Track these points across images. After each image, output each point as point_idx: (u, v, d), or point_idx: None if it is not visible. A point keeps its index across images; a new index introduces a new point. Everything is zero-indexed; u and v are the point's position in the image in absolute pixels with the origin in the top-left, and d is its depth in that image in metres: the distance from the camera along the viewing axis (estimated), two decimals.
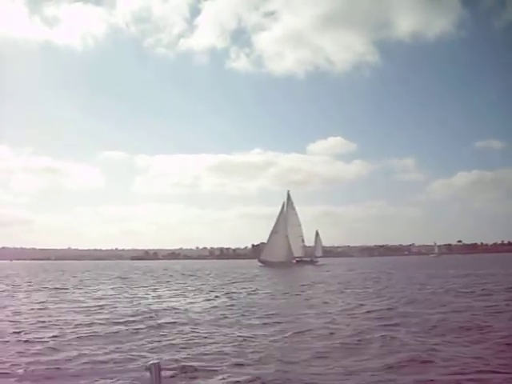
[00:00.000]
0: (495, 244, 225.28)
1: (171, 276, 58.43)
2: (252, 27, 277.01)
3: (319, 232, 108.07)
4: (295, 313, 19.90)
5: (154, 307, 22.58)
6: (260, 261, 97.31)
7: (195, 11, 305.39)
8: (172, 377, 8.51)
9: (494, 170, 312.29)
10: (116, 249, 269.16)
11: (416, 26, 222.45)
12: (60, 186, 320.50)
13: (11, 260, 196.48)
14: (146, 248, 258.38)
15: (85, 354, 12.22)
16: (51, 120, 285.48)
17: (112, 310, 21.79)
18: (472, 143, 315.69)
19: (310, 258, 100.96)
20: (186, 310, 21.73)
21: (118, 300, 26.57)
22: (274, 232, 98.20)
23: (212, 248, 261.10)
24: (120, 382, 9.18)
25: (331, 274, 58.44)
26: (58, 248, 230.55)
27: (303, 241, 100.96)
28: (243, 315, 19.54)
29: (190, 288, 36.39)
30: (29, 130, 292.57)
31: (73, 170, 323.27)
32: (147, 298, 27.70)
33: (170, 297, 28.81)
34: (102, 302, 25.05)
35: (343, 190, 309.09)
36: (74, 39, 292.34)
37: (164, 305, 23.77)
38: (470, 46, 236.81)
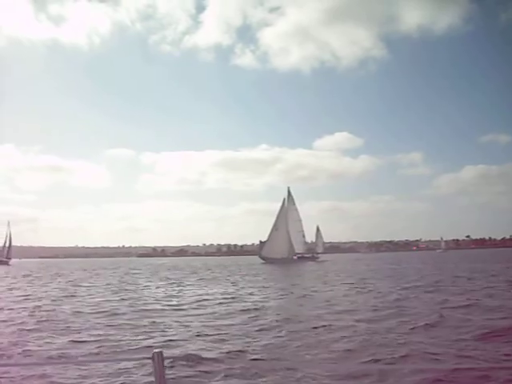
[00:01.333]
0: (504, 239, 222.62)
1: (221, 273, 54.31)
2: (257, 23, 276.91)
3: (320, 228, 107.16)
4: None
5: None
6: (261, 257, 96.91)
7: (200, 8, 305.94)
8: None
9: (501, 164, 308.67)
10: (123, 246, 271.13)
11: (423, 19, 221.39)
12: (66, 184, 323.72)
13: (20, 259, 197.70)
14: (153, 245, 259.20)
15: None
16: (57, 118, 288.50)
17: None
18: (479, 137, 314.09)
19: (311, 254, 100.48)
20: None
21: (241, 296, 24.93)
22: (274, 228, 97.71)
23: (219, 245, 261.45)
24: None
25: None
26: (66, 246, 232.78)
27: (304, 236, 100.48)
28: None
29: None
30: (35, 128, 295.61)
31: (79, 168, 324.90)
32: (256, 295, 26.08)
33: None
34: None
35: (350, 185, 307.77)
36: (79, 37, 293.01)
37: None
38: (476, 40, 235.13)
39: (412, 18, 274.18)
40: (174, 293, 28.10)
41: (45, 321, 16.54)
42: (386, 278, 37.52)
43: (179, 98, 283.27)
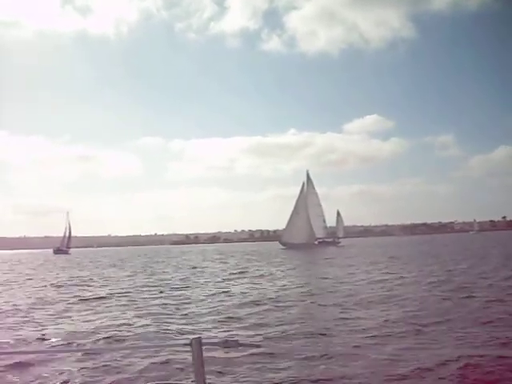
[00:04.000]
0: None
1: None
2: (284, 6, 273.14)
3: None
4: None
5: None
6: (281, 243, 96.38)
7: None
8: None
9: None
10: (155, 234, 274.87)
11: None
12: (97, 174, 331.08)
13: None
14: (185, 232, 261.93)
15: None
16: (86, 108, 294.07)
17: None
18: (510, 117, 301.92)
19: (332, 238, 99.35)
20: None
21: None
22: (294, 213, 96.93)
23: (250, 230, 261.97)
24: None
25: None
26: (98, 235, 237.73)
27: (324, 221, 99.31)
28: None
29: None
30: (64, 118, 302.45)
31: (109, 157, 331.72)
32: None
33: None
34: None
35: (380, 169, 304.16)
36: (106, 27, 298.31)
37: None
38: (510, 17, 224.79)
39: None
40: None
41: None
42: None
43: (206, 85, 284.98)
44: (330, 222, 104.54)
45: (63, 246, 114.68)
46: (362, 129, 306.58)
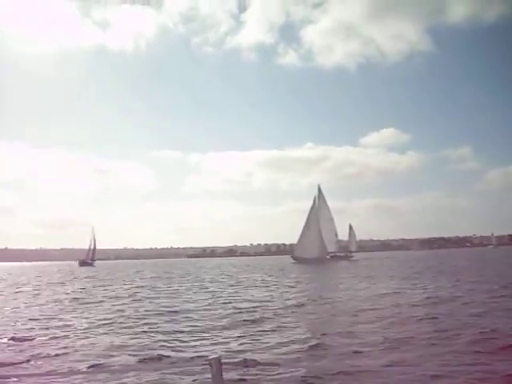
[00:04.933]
0: None
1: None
2: (300, 20, 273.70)
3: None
4: None
5: None
6: (293, 257, 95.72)
7: (242, 7, 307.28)
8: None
9: None
10: (171, 247, 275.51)
11: (471, 10, 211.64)
12: (114, 186, 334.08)
13: (76, 261, 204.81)
14: (201, 246, 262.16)
15: None
16: (104, 121, 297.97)
17: None
18: None
19: (344, 253, 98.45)
20: None
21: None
22: (306, 228, 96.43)
23: (266, 244, 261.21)
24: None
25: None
26: (115, 248, 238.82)
27: (336, 235, 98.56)
28: None
29: None
30: (84, 131, 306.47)
31: (126, 170, 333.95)
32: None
33: None
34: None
35: (397, 182, 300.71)
36: (125, 41, 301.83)
37: None
38: None
39: (460, 9, 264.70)
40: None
41: None
42: None
43: (223, 98, 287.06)
44: (346, 235, 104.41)
45: (88, 259, 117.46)
46: (379, 142, 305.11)
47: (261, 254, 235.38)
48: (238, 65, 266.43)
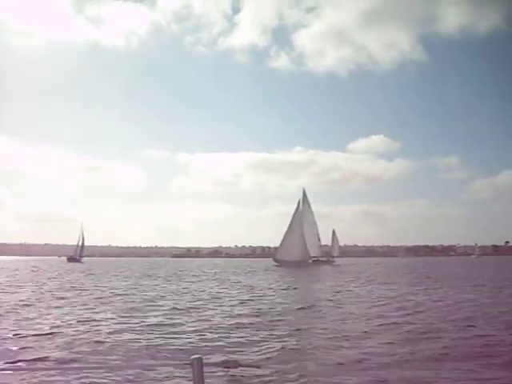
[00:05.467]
0: None
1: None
2: (293, 24, 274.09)
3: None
4: None
5: None
6: (275, 260, 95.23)
7: (236, 9, 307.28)
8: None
9: None
10: (156, 246, 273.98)
11: (464, 21, 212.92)
12: (101, 184, 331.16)
13: (59, 256, 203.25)
14: (186, 246, 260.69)
15: None
16: (94, 119, 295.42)
17: None
18: None
19: (326, 257, 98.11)
20: None
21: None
22: (289, 231, 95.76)
23: (251, 246, 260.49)
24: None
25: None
26: (100, 245, 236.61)
27: (319, 240, 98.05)
28: None
29: None
30: (74, 128, 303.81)
31: (114, 168, 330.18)
32: None
33: None
34: None
35: (385, 189, 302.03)
36: (117, 38, 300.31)
37: None
38: None
39: (452, 19, 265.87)
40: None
41: None
42: None
43: (214, 99, 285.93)
44: (330, 240, 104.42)
45: (76, 255, 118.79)
46: (368, 149, 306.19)
47: (246, 256, 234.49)
48: (230, 66, 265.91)
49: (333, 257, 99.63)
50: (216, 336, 13.78)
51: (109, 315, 18.39)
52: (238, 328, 15.29)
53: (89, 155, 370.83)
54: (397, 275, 51.11)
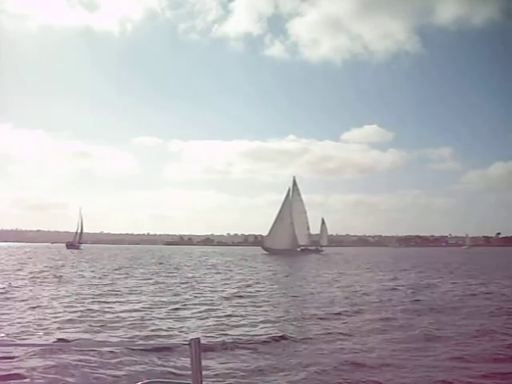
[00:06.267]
0: None
1: None
2: (288, 13, 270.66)
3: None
4: None
5: None
6: (264, 248, 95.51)
7: None
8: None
9: None
10: (148, 233, 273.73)
11: (460, 12, 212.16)
12: (94, 170, 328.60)
13: (52, 243, 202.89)
14: (178, 233, 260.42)
15: None
16: (86, 104, 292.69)
17: None
18: (509, 133, 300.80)
19: (315, 246, 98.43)
20: None
21: None
22: (278, 219, 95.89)
23: (243, 235, 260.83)
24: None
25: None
26: (91, 232, 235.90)
27: (308, 228, 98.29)
28: None
29: None
30: (66, 113, 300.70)
31: (107, 155, 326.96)
32: None
33: None
34: None
35: (378, 179, 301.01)
36: (111, 24, 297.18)
37: None
38: None
39: (448, 11, 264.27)
40: None
41: None
42: None
43: (207, 86, 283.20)
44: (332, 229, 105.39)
45: (75, 242, 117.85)
46: (361, 138, 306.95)
47: (238, 244, 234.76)
48: (223, 54, 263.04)
49: (321, 246, 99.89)
50: None
51: None
52: None
53: (81, 141, 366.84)
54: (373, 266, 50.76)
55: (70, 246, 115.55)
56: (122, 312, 15.82)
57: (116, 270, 39.55)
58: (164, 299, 19.45)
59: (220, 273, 37.85)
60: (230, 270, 41.11)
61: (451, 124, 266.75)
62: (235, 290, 23.32)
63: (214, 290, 23.87)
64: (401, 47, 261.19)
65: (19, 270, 36.77)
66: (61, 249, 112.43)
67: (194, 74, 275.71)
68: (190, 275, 34.04)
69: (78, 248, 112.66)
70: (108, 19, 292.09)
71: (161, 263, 53.05)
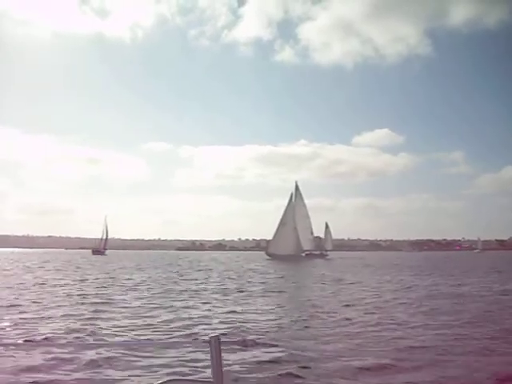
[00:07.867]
0: None
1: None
2: (299, 17, 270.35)
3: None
4: None
5: None
6: (267, 254, 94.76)
7: (241, 1, 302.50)
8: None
9: None
10: (159, 239, 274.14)
11: (472, 14, 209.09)
12: (104, 176, 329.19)
13: (66, 249, 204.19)
14: (190, 239, 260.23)
15: None
16: (96, 110, 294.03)
17: None
18: None
19: (319, 251, 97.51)
20: None
21: None
22: (281, 224, 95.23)
23: (254, 240, 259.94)
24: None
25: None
26: (100, 237, 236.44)
27: (312, 233, 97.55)
28: None
29: None
30: (76, 119, 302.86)
31: (116, 160, 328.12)
32: None
33: None
34: None
35: (389, 183, 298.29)
36: (122, 30, 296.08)
37: None
38: None
39: (460, 12, 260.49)
40: None
41: None
42: None
43: (218, 92, 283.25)
44: (335, 234, 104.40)
45: (101, 248, 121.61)
46: (372, 143, 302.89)
47: (250, 249, 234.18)
48: (234, 59, 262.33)
49: (326, 250, 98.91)
50: None
51: None
52: None
53: (91, 147, 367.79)
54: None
55: (95, 252, 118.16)
56: None
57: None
58: None
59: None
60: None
61: (463, 128, 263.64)
62: None
63: None
64: (412, 50, 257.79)
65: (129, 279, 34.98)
66: (84, 255, 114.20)
67: (204, 80, 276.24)
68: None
69: (103, 254, 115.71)
70: (119, 26, 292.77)
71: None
